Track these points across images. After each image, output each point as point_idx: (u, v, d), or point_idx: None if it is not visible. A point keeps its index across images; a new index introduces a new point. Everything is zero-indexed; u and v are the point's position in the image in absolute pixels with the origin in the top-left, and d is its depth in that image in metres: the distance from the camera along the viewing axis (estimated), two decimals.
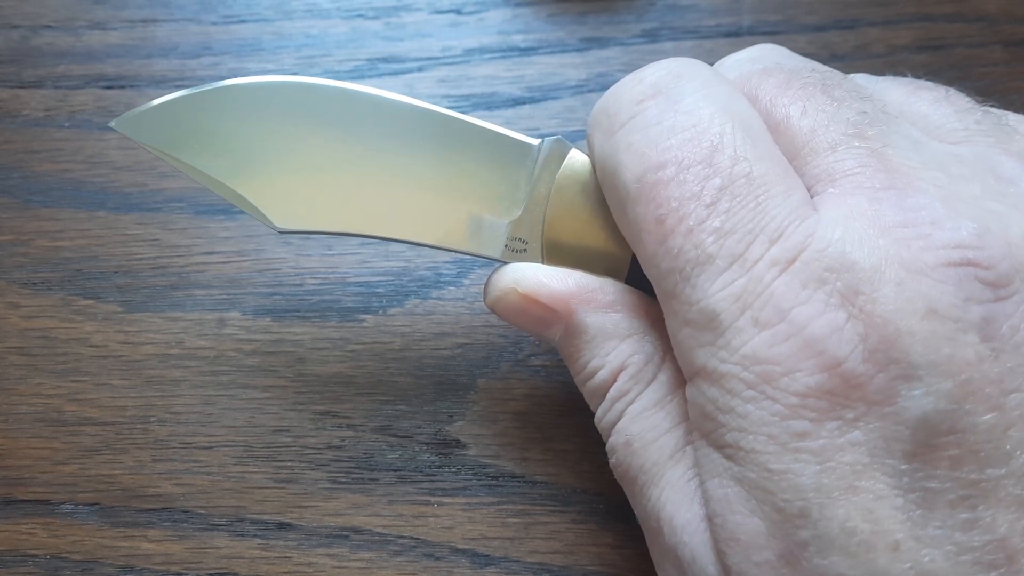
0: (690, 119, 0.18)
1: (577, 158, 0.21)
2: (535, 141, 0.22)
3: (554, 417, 0.25)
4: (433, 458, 0.25)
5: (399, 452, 0.25)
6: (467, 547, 0.24)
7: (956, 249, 0.16)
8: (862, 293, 0.16)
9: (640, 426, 0.20)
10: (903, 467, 0.15)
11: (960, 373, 0.15)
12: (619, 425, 0.20)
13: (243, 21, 0.30)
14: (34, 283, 0.27)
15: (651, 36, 0.29)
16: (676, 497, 0.19)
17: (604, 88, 0.29)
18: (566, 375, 0.25)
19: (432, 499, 0.24)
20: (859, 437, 0.16)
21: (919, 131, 0.18)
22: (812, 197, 0.18)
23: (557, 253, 0.22)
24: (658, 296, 0.19)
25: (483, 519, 0.24)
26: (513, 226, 0.22)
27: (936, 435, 0.15)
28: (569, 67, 0.29)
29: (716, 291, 0.17)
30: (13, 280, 0.27)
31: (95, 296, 0.27)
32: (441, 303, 0.26)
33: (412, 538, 0.24)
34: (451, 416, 0.25)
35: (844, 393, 0.16)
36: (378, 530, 0.24)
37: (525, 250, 0.22)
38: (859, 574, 0.15)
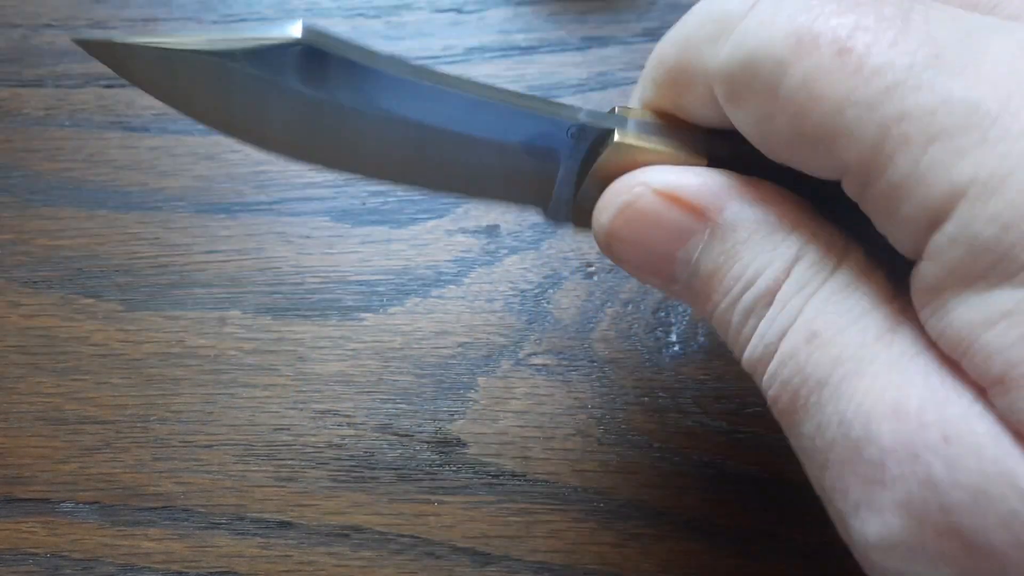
0: None
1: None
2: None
3: (555, 416, 0.25)
4: (434, 457, 0.25)
5: (400, 451, 0.25)
6: (467, 546, 0.24)
7: None
8: None
9: (832, 311, 0.16)
10: None
11: None
12: (798, 323, 0.16)
13: (243, 20, 0.30)
14: (35, 282, 0.27)
15: (652, 35, 0.29)
16: (899, 379, 0.15)
17: (605, 87, 0.29)
18: (567, 374, 0.25)
19: (433, 498, 0.24)
20: None
21: None
22: None
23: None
24: (852, 155, 0.15)
25: (484, 518, 0.24)
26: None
27: None
28: (570, 66, 0.29)
29: (965, 84, 0.14)
30: (14, 279, 0.27)
31: (96, 295, 0.27)
32: (441, 302, 0.26)
33: (412, 537, 0.24)
34: (452, 415, 0.25)
35: None
36: (378, 529, 0.24)
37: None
38: None
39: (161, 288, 0.27)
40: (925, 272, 0.15)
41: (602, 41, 0.30)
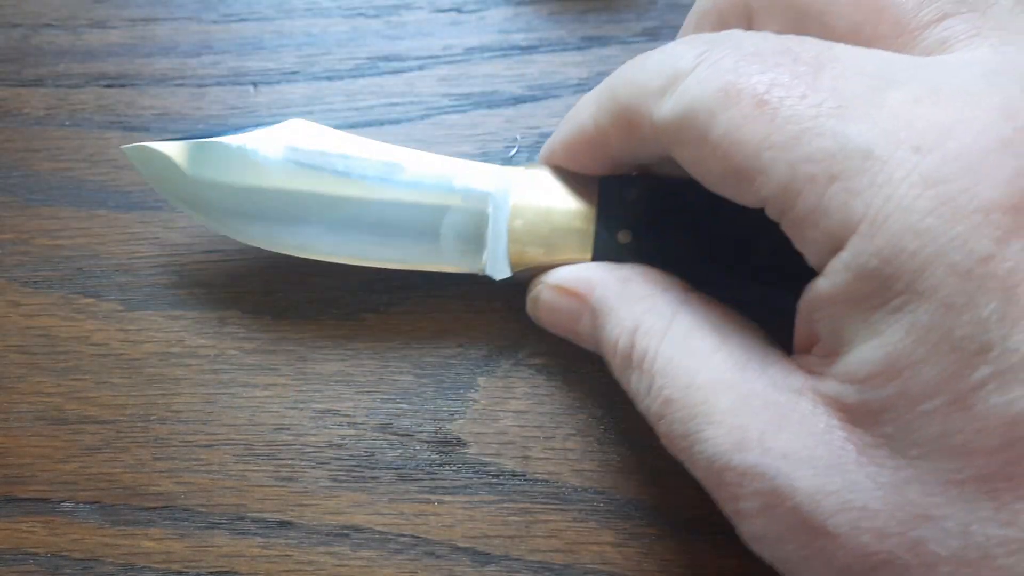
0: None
1: (528, 174, 0.24)
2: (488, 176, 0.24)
3: (555, 415, 0.25)
4: (434, 456, 0.25)
5: (400, 450, 0.25)
6: (468, 545, 0.24)
7: None
8: (1021, 112, 0.16)
9: (674, 368, 0.19)
10: None
11: None
12: (654, 387, 0.20)
13: (243, 19, 0.30)
14: (35, 281, 0.27)
15: (652, 35, 0.29)
16: (743, 419, 0.18)
17: None
18: (567, 373, 0.25)
19: (433, 497, 0.24)
20: None
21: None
22: None
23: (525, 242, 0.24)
24: (768, 191, 0.17)
25: (484, 517, 0.24)
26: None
27: None
28: (570, 66, 0.29)
29: (859, 131, 0.16)
30: (14, 278, 0.27)
31: (96, 294, 0.27)
32: (442, 301, 0.26)
33: (413, 536, 0.24)
34: (452, 414, 0.25)
35: None
36: (379, 528, 0.24)
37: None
38: None
39: (161, 288, 0.27)
40: (823, 285, 0.17)
41: (602, 41, 0.30)
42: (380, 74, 0.29)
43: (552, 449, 0.25)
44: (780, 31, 0.19)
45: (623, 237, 0.23)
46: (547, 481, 0.24)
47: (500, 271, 0.24)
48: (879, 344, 0.16)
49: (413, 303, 0.26)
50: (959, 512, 0.15)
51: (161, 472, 0.25)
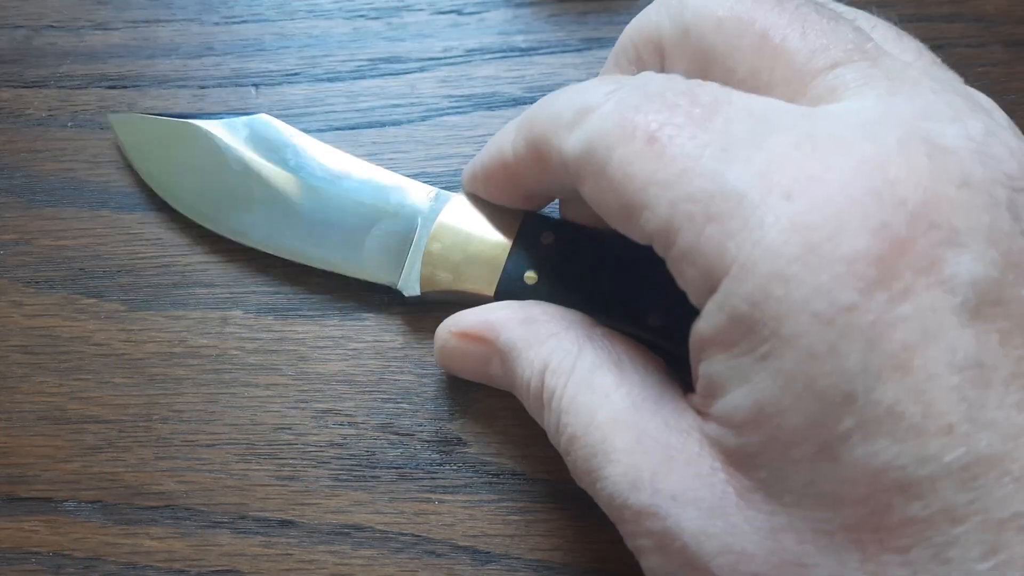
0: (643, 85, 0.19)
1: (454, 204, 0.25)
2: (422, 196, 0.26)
3: None
4: (434, 455, 0.25)
5: (400, 450, 0.25)
6: (468, 544, 0.24)
7: (971, 141, 0.16)
8: (892, 163, 0.16)
9: (577, 406, 0.20)
10: (955, 342, 0.15)
11: (1001, 242, 0.15)
12: (559, 425, 0.20)
13: (245, 21, 0.30)
14: (37, 282, 0.27)
15: None
16: (639, 458, 0.18)
17: None
18: None
19: (433, 496, 0.24)
20: (908, 311, 0.15)
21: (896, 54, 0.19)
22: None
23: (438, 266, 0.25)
24: (652, 226, 0.17)
25: (484, 516, 0.24)
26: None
27: (985, 305, 0.15)
28: (570, 67, 0.29)
29: (737, 175, 0.16)
30: (16, 279, 0.27)
31: (98, 295, 0.27)
32: (442, 301, 0.26)
33: (413, 535, 0.24)
34: (452, 414, 0.25)
35: (891, 260, 0.15)
36: (379, 527, 0.24)
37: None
38: (907, 461, 0.15)
39: (163, 288, 0.27)
40: (700, 327, 0.17)
41: (601, 42, 0.30)
42: (381, 76, 0.29)
43: (552, 448, 0.25)
44: (687, 72, 0.20)
45: (529, 278, 0.24)
46: (547, 480, 0.24)
47: (411, 289, 0.25)
48: (749, 391, 0.16)
49: (414, 303, 0.26)
50: (829, 562, 0.15)
51: (163, 471, 0.25)
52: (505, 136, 0.23)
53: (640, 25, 0.22)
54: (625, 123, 0.18)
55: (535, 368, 0.21)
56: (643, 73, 0.20)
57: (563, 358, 0.21)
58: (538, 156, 0.21)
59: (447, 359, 0.24)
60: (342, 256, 0.26)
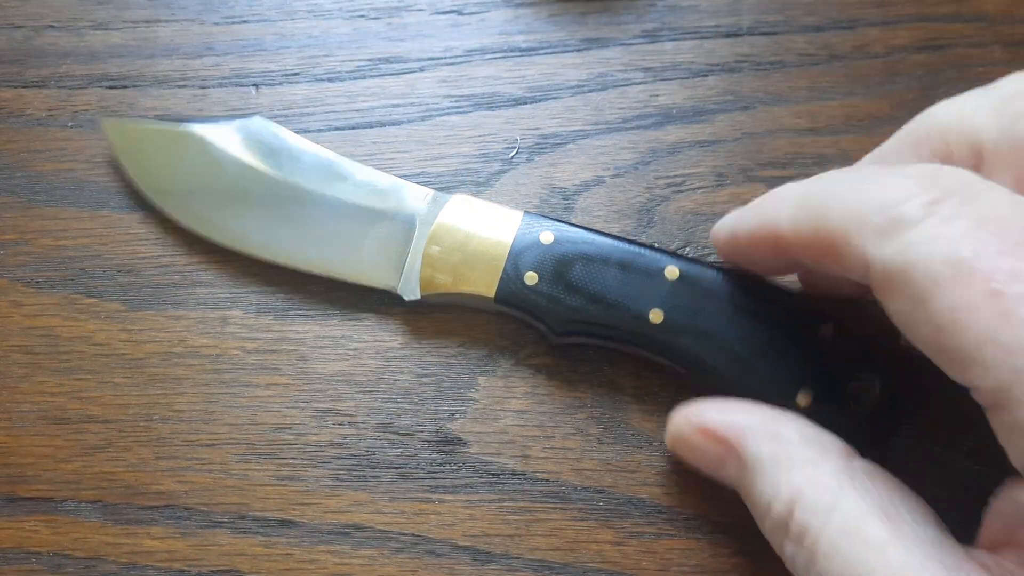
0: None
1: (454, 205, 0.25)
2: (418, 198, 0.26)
3: (555, 415, 0.25)
4: (434, 456, 0.25)
5: (400, 450, 0.25)
6: (468, 544, 0.24)
7: None
8: None
9: (842, 556, 0.17)
10: None
11: None
12: (815, 568, 0.18)
13: (245, 21, 0.30)
14: (37, 282, 0.27)
15: (651, 36, 0.30)
16: None
17: (604, 88, 0.29)
18: (567, 373, 0.25)
19: (433, 496, 0.24)
20: None
21: None
22: None
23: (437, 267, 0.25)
24: (982, 384, 0.16)
25: (484, 516, 0.24)
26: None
27: None
28: (570, 67, 0.29)
29: None
30: (16, 279, 0.27)
31: (98, 295, 0.27)
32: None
33: (413, 535, 0.24)
34: (452, 414, 0.25)
35: None
36: (379, 527, 0.24)
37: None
38: None
39: (163, 288, 0.27)
40: None
41: (601, 43, 0.30)
42: (381, 75, 0.29)
43: (552, 448, 0.25)
44: (1014, 186, 0.18)
45: (529, 278, 0.24)
46: (547, 480, 0.24)
47: (411, 292, 0.25)
48: None
49: (413, 303, 0.26)
50: None
51: (163, 471, 0.25)
52: (780, 206, 0.21)
53: (959, 121, 0.19)
54: (959, 261, 0.16)
55: (782, 496, 0.19)
56: (962, 174, 0.18)
57: (820, 495, 0.19)
58: (830, 248, 0.19)
59: (680, 448, 0.22)
60: (340, 261, 0.26)
